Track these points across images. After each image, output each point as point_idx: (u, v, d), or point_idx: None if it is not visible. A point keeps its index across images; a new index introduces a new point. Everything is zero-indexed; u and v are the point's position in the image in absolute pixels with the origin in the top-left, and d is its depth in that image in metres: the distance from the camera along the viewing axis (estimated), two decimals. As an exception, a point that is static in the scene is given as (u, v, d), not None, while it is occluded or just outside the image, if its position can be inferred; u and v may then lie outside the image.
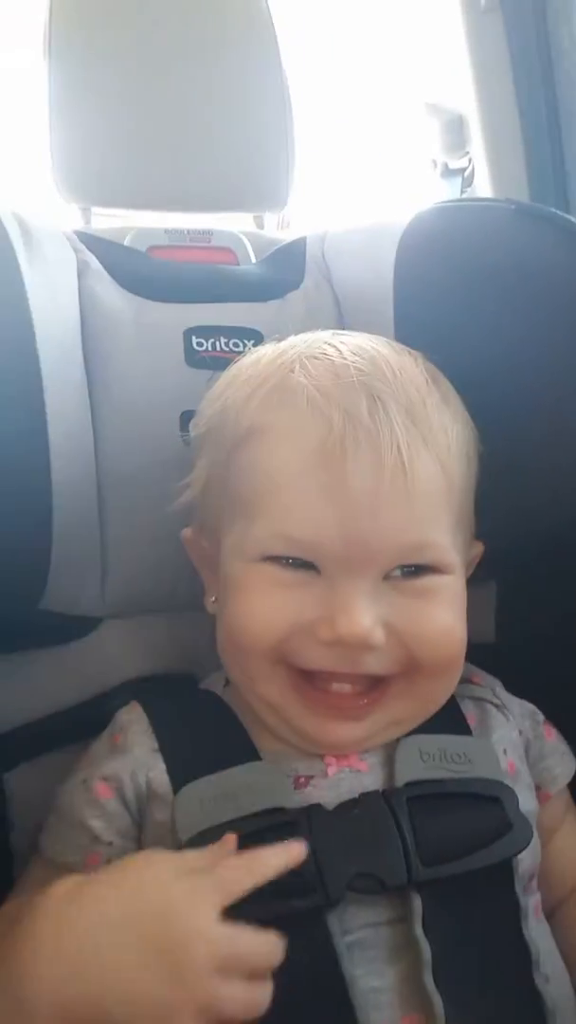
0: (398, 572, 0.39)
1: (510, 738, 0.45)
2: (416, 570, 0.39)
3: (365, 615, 0.37)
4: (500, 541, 0.47)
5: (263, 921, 0.33)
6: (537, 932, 0.40)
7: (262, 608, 0.38)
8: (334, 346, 0.41)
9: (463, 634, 0.41)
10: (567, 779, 0.47)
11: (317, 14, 0.97)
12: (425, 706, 0.41)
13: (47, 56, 0.66)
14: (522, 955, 0.38)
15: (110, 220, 0.73)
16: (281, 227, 0.84)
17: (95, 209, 0.71)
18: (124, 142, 0.68)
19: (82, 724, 0.47)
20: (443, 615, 0.40)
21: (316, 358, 0.40)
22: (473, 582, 0.46)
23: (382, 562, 0.38)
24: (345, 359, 0.39)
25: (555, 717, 0.49)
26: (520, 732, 0.46)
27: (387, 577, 0.38)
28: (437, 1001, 0.33)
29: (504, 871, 0.39)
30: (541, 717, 0.48)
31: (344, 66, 1.04)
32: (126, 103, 0.67)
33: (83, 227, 0.70)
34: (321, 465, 0.37)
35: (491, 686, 0.48)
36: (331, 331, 0.45)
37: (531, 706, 0.48)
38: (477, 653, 0.49)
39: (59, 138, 0.67)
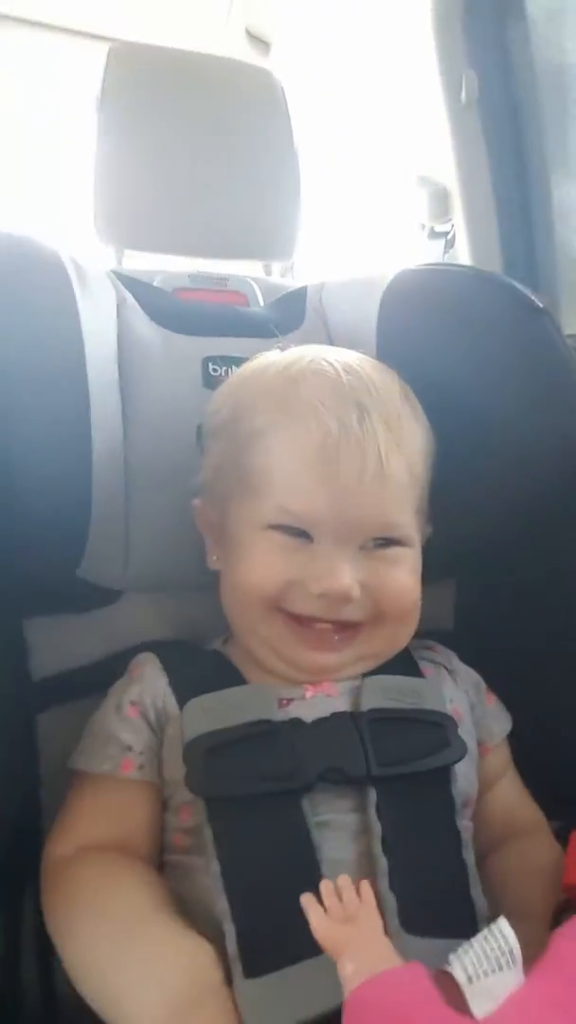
0: (371, 544, 0.48)
1: (457, 694, 0.54)
2: (385, 543, 0.49)
3: (347, 575, 0.46)
4: (458, 544, 0.57)
5: (253, 796, 0.43)
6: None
7: (265, 565, 0.48)
8: (331, 363, 0.50)
9: (418, 592, 0.51)
10: (503, 735, 0.57)
11: (329, 98, 1.10)
12: (386, 647, 0.51)
13: (99, 115, 0.76)
14: (454, 839, 0.47)
15: (139, 262, 0.82)
16: (284, 273, 0.95)
17: (127, 251, 0.80)
18: (157, 196, 0.77)
19: (102, 677, 0.55)
20: (404, 577, 0.50)
21: (317, 374, 0.50)
22: (434, 579, 0.54)
23: (361, 535, 0.48)
24: (340, 377, 0.49)
25: (503, 690, 0.58)
26: (466, 693, 0.56)
27: (363, 547, 0.48)
28: (383, 864, 0.42)
29: (442, 776, 0.48)
30: (484, 686, 0.57)
31: (350, 141, 1.18)
32: (162, 163, 0.77)
33: (116, 267, 0.80)
34: (319, 460, 0.46)
35: (447, 656, 0.57)
36: (326, 347, 0.54)
37: (477, 675, 0.58)
38: (438, 638, 0.59)
39: (102, 188, 0.76)
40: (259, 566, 0.48)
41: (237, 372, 0.56)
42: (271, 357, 0.54)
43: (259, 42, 1.21)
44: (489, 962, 0.33)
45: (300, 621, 0.49)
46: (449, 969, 0.34)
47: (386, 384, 0.50)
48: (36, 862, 0.48)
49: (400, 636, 0.52)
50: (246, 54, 1.23)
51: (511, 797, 0.57)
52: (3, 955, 0.53)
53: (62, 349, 0.52)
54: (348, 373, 0.49)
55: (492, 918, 0.36)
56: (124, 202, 0.78)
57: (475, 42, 0.95)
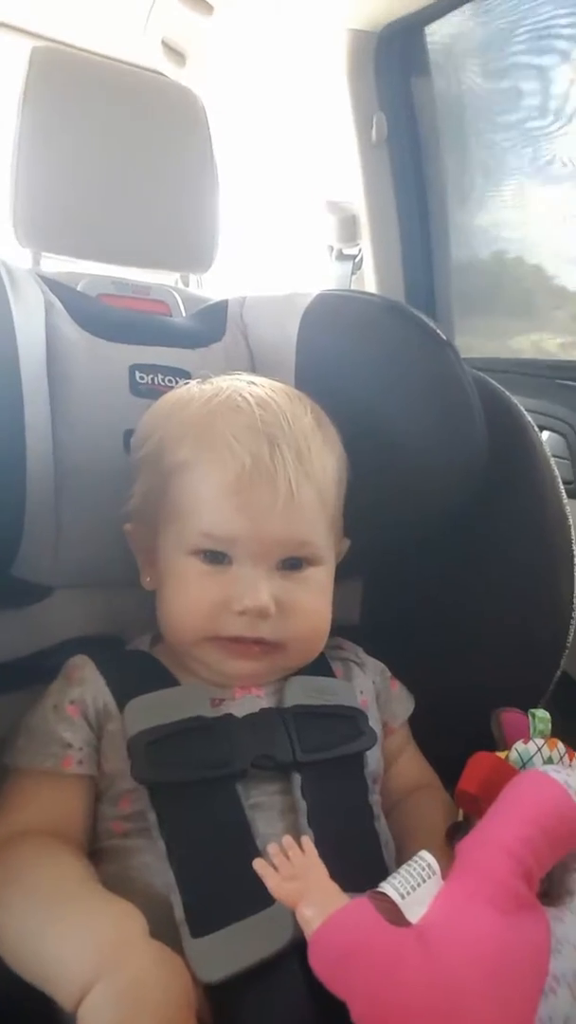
0: (285, 564, 0.53)
1: (365, 685, 0.60)
2: (297, 563, 0.53)
3: (264, 592, 0.51)
4: (365, 547, 0.62)
5: (192, 782, 0.47)
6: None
7: (193, 594, 0.52)
8: (245, 398, 0.53)
9: (326, 613, 0.56)
10: (406, 716, 0.64)
11: (244, 123, 1.14)
12: (299, 661, 0.56)
13: (19, 116, 0.76)
14: (367, 814, 0.53)
15: (54, 263, 0.82)
16: (198, 285, 0.98)
17: (44, 254, 0.81)
18: (78, 202, 0.78)
19: (31, 671, 0.57)
20: (313, 600, 0.54)
21: (233, 410, 0.53)
22: (343, 578, 0.60)
23: (275, 554, 0.52)
24: (254, 412, 0.52)
25: (401, 674, 0.65)
26: (373, 682, 0.62)
27: (278, 568, 0.52)
28: (309, 834, 0.47)
29: (356, 762, 0.54)
30: (388, 673, 0.64)
31: (266, 163, 1.23)
32: (84, 170, 0.78)
33: (35, 268, 0.81)
34: (235, 491, 0.50)
35: (354, 651, 0.63)
36: (246, 376, 0.58)
37: (382, 665, 0.64)
38: (346, 631, 0.65)
39: (22, 190, 0.76)
40: (188, 598, 0.53)
41: (162, 401, 0.58)
42: (193, 390, 0.57)
43: (175, 53, 1.23)
44: (414, 879, 0.40)
45: (227, 642, 0.52)
46: (383, 891, 0.39)
47: (298, 416, 0.54)
48: None
49: (308, 652, 0.56)
50: (161, 64, 1.25)
51: (412, 767, 0.63)
52: None
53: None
54: (262, 408, 0.53)
55: (400, 866, 0.42)
56: (44, 206, 0.78)
57: (385, 87, 1.03)
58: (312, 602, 0.54)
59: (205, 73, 1.21)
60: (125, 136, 0.81)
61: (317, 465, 0.53)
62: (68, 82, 0.80)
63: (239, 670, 0.53)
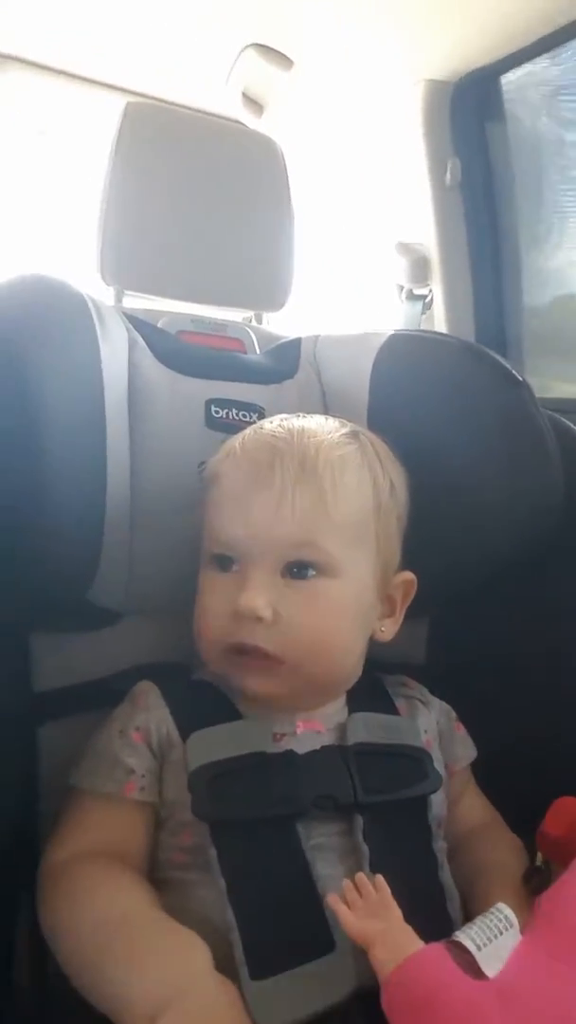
0: (291, 571, 0.51)
1: (429, 725, 0.59)
2: (303, 570, 0.51)
3: (259, 595, 0.50)
4: (433, 587, 0.61)
5: (253, 820, 0.46)
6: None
7: (206, 602, 0.53)
8: (275, 422, 0.56)
9: (333, 629, 0.52)
10: (469, 760, 0.62)
11: (319, 169, 1.18)
12: (313, 679, 0.52)
13: (111, 164, 0.81)
14: (432, 862, 0.52)
15: (135, 301, 0.87)
16: (267, 323, 1.01)
17: (127, 292, 0.85)
18: (162, 243, 0.82)
19: (99, 695, 0.58)
20: (314, 610, 0.51)
21: (255, 431, 0.56)
22: (409, 618, 0.60)
23: (275, 556, 0.51)
24: (271, 431, 0.54)
25: (468, 717, 0.63)
26: (438, 722, 0.61)
27: (285, 575, 0.51)
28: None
29: (420, 805, 0.53)
30: (454, 715, 0.63)
31: (340, 206, 1.26)
32: (168, 213, 0.83)
33: (118, 305, 0.85)
34: (238, 496, 0.52)
35: (419, 689, 0.62)
36: (316, 414, 0.59)
37: (447, 706, 0.63)
38: (411, 670, 0.65)
39: (110, 232, 0.80)
40: (202, 602, 0.54)
41: None
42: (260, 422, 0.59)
43: (254, 104, 1.29)
44: (491, 930, 0.39)
45: (237, 651, 0.52)
46: (459, 940, 0.38)
47: (318, 434, 0.54)
48: (31, 868, 0.50)
49: (322, 673, 0.53)
50: (240, 113, 1.31)
51: (475, 808, 0.62)
52: (-1, 954, 0.54)
53: (85, 385, 0.56)
54: (280, 427, 0.55)
55: (468, 913, 0.41)
56: (129, 247, 0.82)
57: (459, 133, 1.05)
58: (313, 614, 0.51)
59: (282, 121, 1.25)
60: (207, 182, 0.85)
61: (326, 475, 0.52)
62: (156, 133, 0.84)
63: (253, 687, 0.53)
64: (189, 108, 1.08)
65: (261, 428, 0.56)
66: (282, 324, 1.01)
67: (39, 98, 1.30)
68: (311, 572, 0.51)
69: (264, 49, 1.13)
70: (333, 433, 0.55)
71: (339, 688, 0.57)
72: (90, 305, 0.60)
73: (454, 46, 0.98)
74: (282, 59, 1.14)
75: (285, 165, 0.89)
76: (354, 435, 0.57)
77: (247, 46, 1.14)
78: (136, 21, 1.13)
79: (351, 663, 0.56)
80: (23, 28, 1.16)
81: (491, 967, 0.38)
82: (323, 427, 0.56)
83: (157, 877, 0.51)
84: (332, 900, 0.42)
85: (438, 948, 0.39)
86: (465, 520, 0.61)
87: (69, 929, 0.45)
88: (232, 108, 1.30)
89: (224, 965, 0.42)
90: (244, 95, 1.28)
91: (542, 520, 0.63)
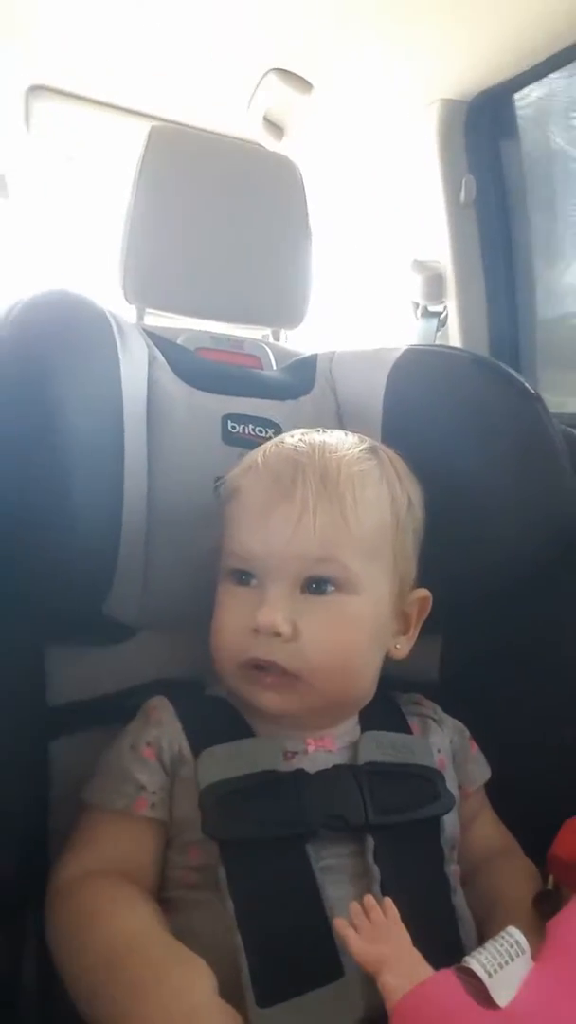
0: (310, 586, 0.51)
1: (443, 744, 0.59)
2: (322, 585, 0.51)
3: (277, 611, 0.50)
4: (447, 604, 0.60)
5: (263, 840, 0.46)
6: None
7: (223, 617, 0.53)
8: (296, 437, 0.56)
9: (352, 645, 0.52)
10: (483, 781, 0.61)
11: (337, 188, 1.20)
12: (328, 696, 0.52)
13: (135, 186, 0.83)
14: (443, 885, 0.51)
15: (158, 320, 0.89)
16: (284, 340, 1.01)
17: (148, 310, 0.87)
18: (182, 263, 0.84)
19: (112, 710, 0.58)
20: (333, 626, 0.51)
21: (276, 444, 0.56)
22: (424, 634, 0.59)
23: (294, 571, 0.51)
24: (293, 445, 0.54)
25: (481, 734, 0.62)
26: (451, 741, 0.60)
27: (304, 590, 0.51)
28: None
29: (432, 826, 0.52)
30: (468, 733, 0.62)
31: (357, 226, 1.28)
32: (189, 234, 0.84)
33: (139, 323, 0.87)
34: (259, 510, 0.52)
35: (432, 708, 0.62)
36: (334, 429, 0.59)
37: (461, 724, 0.62)
38: (424, 688, 0.64)
39: (132, 254, 0.83)
40: (220, 617, 0.54)
41: None
42: (280, 436, 0.59)
43: (274, 127, 1.31)
44: (502, 956, 0.38)
45: (254, 666, 0.52)
46: (469, 966, 0.37)
47: (338, 449, 0.54)
48: (40, 884, 0.50)
49: (340, 690, 0.53)
50: (261, 136, 1.33)
51: (489, 832, 0.61)
52: (5, 972, 0.54)
53: (105, 402, 0.56)
54: (301, 441, 0.55)
55: (481, 941, 0.40)
56: (151, 266, 0.84)
57: (474, 151, 1.07)
58: (333, 630, 0.51)
59: (302, 143, 1.28)
60: (227, 203, 0.87)
61: (344, 489, 0.52)
62: (178, 155, 0.87)
63: (269, 704, 0.52)
64: (212, 133, 1.10)
65: (283, 442, 0.56)
66: (301, 341, 1.02)
67: (69, 125, 1.34)
68: (330, 588, 0.51)
69: (285, 74, 1.15)
70: (353, 449, 0.55)
71: (355, 706, 0.56)
72: (111, 321, 0.61)
73: (468, 66, 1.00)
74: (302, 83, 1.16)
75: (303, 184, 0.91)
76: (373, 451, 0.57)
77: (268, 71, 1.16)
78: (161, 49, 1.16)
79: (368, 680, 0.55)
80: (55, 59, 1.20)
81: (502, 995, 0.37)
82: (343, 442, 0.56)
83: (165, 896, 0.50)
84: (339, 924, 0.42)
85: (447, 975, 0.38)
86: (479, 534, 0.61)
87: (75, 951, 0.45)
88: (254, 132, 1.33)
89: (230, 988, 0.42)
90: (265, 119, 1.30)
91: (556, 534, 0.62)
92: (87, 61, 1.21)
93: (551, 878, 0.49)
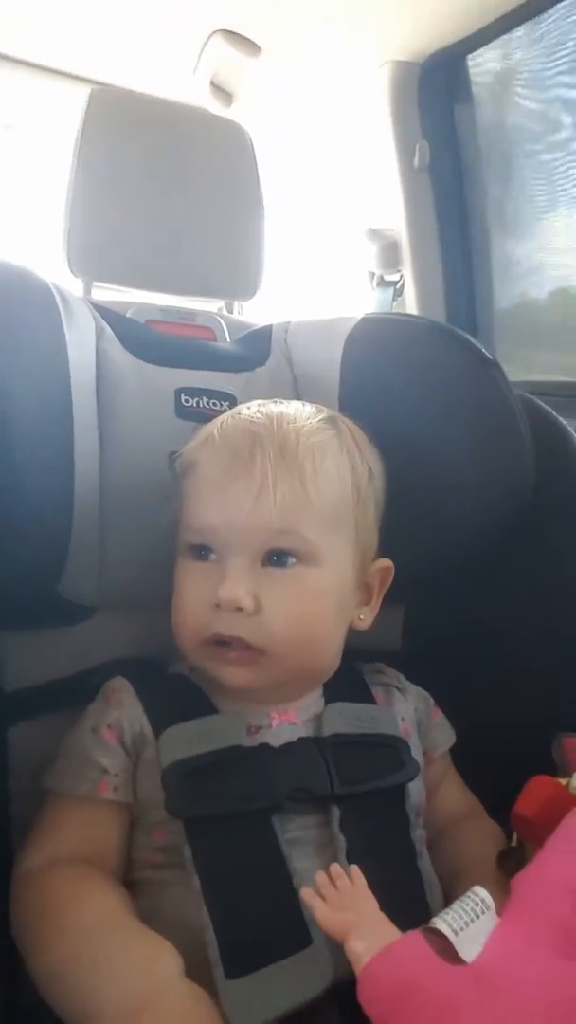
0: (271, 559, 0.50)
1: (407, 712, 0.59)
2: (283, 557, 0.50)
3: (239, 584, 0.49)
4: (407, 573, 0.60)
5: (227, 816, 0.46)
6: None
7: (183, 593, 0.52)
8: (252, 408, 0.55)
9: (315, 617, 0.52)
10: (448, 746, 0.62)
11: (289, 155, 1.18)
12: (293, 669, 0.52)
13: (76, 154, 0.80)
14: (409, 851, 0.51)
15: (104, 293, 0.86)
16: (239, 312, 1.00)
17: (95, 283, 0.84)
18: (129, 233, 0.82)
19: (71, 693, 0.57)
20: (295, 598, 0.50)
21: (233, 417, 0.55)
22: (385, 604, 0.59)
23: (254, 544, 0.50)
24: (250, 417, 0.53)
25: (445, 700, 0.63)
26: (415, 709, 0.60)
27: (265, 564, 0.50)
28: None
29: (398, 793, 0.53)
30: (431, 701, 0.62)
31: (310, 194, 1.25)
32: (135, 203, 0.81)
33: (86, 296, 0.84)
34: (216, 483, 0.51)
35: (396, 676, 0.62)
36: (292, 400, 0.58)
37: (424, 692, 0.62)
38: (387, 657, 0.64)
39: (76, 223, 0.80)
40: (180, 593, 0.53)
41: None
42: (236, 408, 0.58)
43: (223, 92, 1.28)
44: (468, 915, 0.38)
45: (217, 642, 0.51)
46: (436, 927, 0.38)
47: (296, 419, 0.53)
48: (4, 876, 0.49)
49: (305, 663, 0.53)
50: (209, 103, 1.29)
51: (454, 796, 0.61)
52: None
53: (51, 375, 0.55)
54: (258, 413, 0.54)
55: (448, 903, 0.41)
56: (96, 237, 0.81)
57: (427, 115, 1.05)
58: (295, 603, 0.50)
59: (251, 108, 1.24)
60: (174, 170, 0.84)
61: (307, 462, 0.51)
62: (122, 120, 0.84)
63: (233, 679, 0.51)
64: (157, 98, 1.07)
65: (239, 414, 0.55)
66: (255, 314, 1.00)
67: (4, 91, 1.28)
68: (292, 560, 0.51)
69: (231, 35, 1.12)
70: (312, 419, 0.54)
71: (319, 678, 0.56)
72: (55, 293, 0.58)
73: (418, 26, 0.98)
74: (249, 45, 1.13)
75: (254, 151, 0.88)
76: (332, 421, 0.56)
77: (214, 32, 1.13)
78: (102, 10, 1.11)
79: (332, 652, 0.55)
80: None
81: (468, 951, 0.37)
82: (301, 413, 0.55)
83: (131, 878, 0.50)
84: (306, 894, 0.42)
85: (415, 936, 0.38)
86: (438, 502, 0.61)
87: (40, 940, 0.44)
88: (201, 98, 1.29)
89: (200, 966, 0.42)
90: (213, 84, 1.27)
91: (515, 500, 0.62)
92: (24, 23, 1.15)
93: (515, 836, 0.50)
